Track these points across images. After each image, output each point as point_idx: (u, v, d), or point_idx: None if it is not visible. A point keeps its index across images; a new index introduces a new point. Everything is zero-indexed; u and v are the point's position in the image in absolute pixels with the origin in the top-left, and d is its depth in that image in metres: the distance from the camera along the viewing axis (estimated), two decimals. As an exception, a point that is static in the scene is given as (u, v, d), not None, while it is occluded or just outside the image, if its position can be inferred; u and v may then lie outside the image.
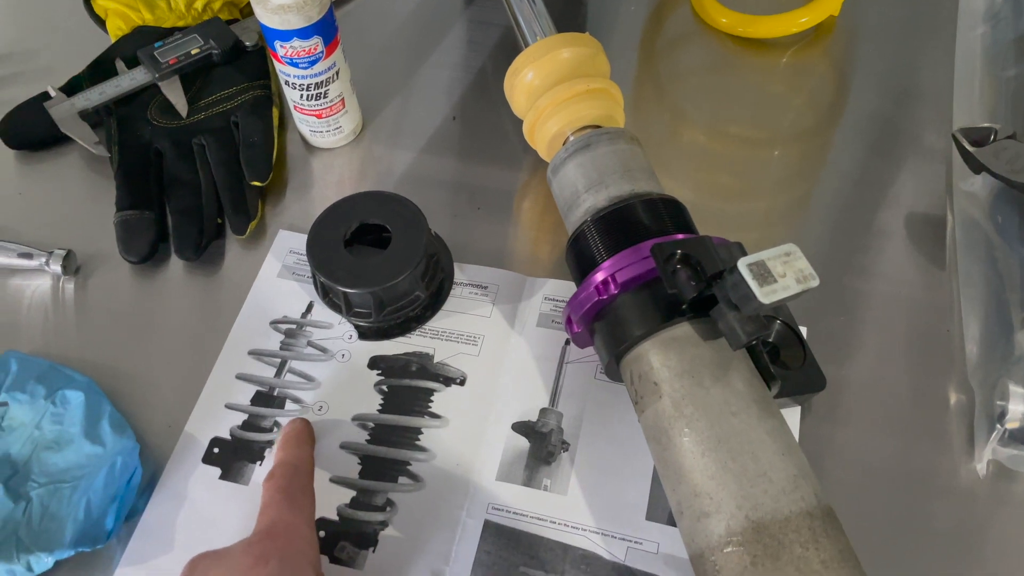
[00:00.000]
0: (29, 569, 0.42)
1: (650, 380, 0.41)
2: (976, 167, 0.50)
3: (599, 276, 0.43)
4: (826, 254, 0.53)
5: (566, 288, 0.52)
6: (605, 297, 0.42)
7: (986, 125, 0.50)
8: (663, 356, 0.40)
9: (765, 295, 0.36)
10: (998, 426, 0.43)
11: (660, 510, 0.44)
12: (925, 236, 0.54)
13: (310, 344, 0.51)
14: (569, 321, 0.45)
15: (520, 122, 0.54)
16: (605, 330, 0.43)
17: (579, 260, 0.46)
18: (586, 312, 0.43)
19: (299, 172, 0.60)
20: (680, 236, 0.43)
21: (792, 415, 0.47)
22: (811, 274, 0.37)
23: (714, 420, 0.38)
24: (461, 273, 0.53)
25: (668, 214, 0.45)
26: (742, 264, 0.37)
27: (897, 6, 0.67)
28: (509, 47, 0.64)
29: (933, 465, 0.46)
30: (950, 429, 0.47)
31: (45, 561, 0.42)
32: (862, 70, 0.64)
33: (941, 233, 0.54)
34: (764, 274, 0.37)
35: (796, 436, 0.46)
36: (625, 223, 0.44)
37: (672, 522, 0.44)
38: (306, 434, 0.46)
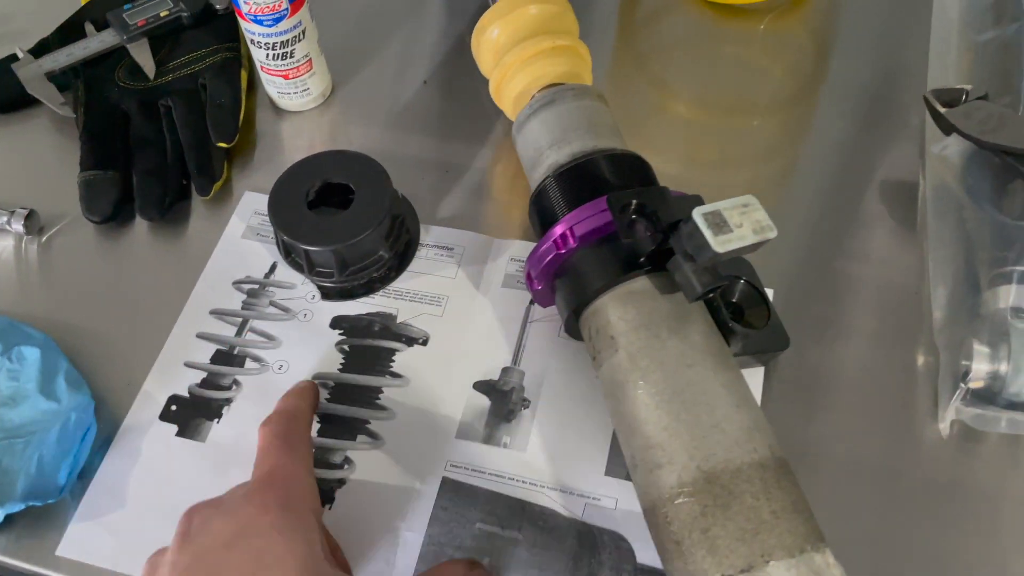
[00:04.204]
0: (-21, 522, 0.42)
1: (607, 334, 0.40)
2: (946, 128, 0.49)
3: (558, 230, 0.42)
4: (807, 222, 0.53)
5: (531, 249, 0.51)
6: (564, 251, 0.42)
7: (957, 87, 0.50)
8: (621, 309, 0.40)
9: (720, 244, 0.35)
10: (961, 385, 0.43)
11: (619, 466, 0.44)
12: (898, 201, 0.53)
13: (272, 304, 0.51)
14: (529, 277, 0.45)
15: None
16: (565, 286, 0.43)
17: (541, 216, 0.45)
18: (545, 267, 0.43)
19: (268, 135, 0.59)
20: (641, 190, 0.43)
21: (755, 376, 0.46)
22: (768, 225, 0.36)
23: (669, 372, 0.38)
24: (427, 235, 0.53)
25: (631, 169, 0.44)
26: (697, 213, 0.36)
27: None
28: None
29: (898, 426, 0.45)
30: (917, 391, 0.46)
31: (-6, 514, 0.42)
32: (841, 38, 0.63)
33: (914, 196, 0.53)
34: (720, 223, 0.36)
35: (759, 396, 0.46)
36: (586, 178, 0.44)
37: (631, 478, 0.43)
38: (309, 391, 0.45)
